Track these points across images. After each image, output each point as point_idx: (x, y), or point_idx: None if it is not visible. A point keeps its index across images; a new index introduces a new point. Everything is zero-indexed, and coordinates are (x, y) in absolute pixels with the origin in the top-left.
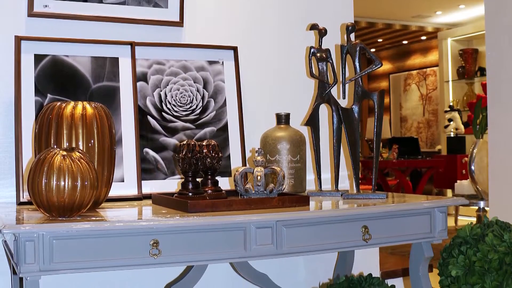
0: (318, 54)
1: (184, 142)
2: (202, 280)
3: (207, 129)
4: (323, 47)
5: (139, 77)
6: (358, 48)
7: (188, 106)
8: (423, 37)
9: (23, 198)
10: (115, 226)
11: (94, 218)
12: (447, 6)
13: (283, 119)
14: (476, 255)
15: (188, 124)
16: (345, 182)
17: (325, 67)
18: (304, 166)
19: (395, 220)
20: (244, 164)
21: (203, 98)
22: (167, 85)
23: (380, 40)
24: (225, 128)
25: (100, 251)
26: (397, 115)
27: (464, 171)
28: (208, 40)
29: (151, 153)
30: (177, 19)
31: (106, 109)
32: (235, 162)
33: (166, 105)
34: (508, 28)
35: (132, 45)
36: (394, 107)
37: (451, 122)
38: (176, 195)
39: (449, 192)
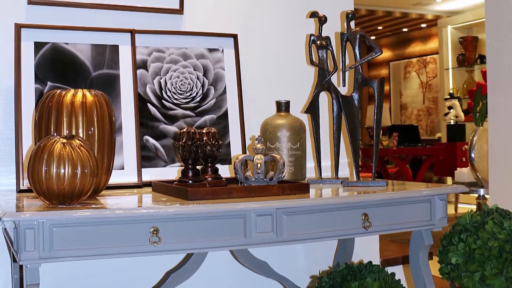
0: (318, 42)
1: (184, 130)
2: (202, 268)
3: (207, 117)
4: (323, 34)
5: (139, 65)
6: (358, 36)
7: (188, 94)
8: (423, 25)
9: (23, 185)
10: (115, 213)
11: (94, 206)
12: None
13: (283, 107)
14: (476, 242)
15: (188, 112)
16: (345, 169)
17: (325, 55)
18: (304, 153)
19: (395, 207)
20: (244, 151)
21: (203, 85)
22: (167, 73)
23: (380, 27)
24: (225, 115)
25: (100, 239)
26: (397, 102)
27: (464, 158)
28: (208, 28)
29: (151, 140)
30: (177, 6)
31: (106, 97)
32: (235, 150)
33: (166, 93)
34: (508, 15)
35: (132, 32)
36: (394, 94)
37: (451, 110)
38: (176, 182)
39: (449, 179)
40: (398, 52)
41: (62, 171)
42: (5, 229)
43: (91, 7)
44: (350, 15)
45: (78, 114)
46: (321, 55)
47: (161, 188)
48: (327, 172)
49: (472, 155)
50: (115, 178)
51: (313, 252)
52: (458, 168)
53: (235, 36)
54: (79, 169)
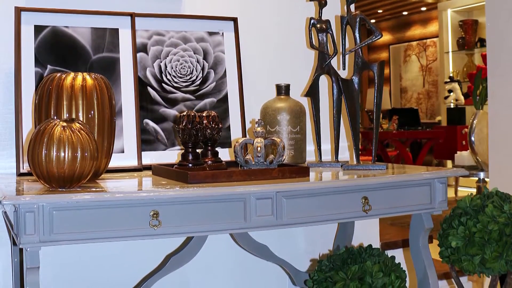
0: (318, 25)
1: (184, 113)
2: (202, 251)
3: (207, 100)
4: (323, 18)
5: (139, 48)
6: (358, 19)
7: (188, 77)
8: (423, 8)
9: (23, 169)
10: (115, 197)
11: (94, 189)
12: None
13: (283, 90)
14: (476, 226)
15: (188, 95)
16: (345, 153)
17: (325, 38)
18: (304, 137)
19: (395, 191)
20: (244, 135)
21: (203, 69)
22: (167, 56)
23: (380, 11)
24: (225, 99)
25: (100, 222)
26: (397, 86)
27: (464, 142)
28: (208, 11)
29: (151, 124)
30: None
31: (106, 80)
32: (235, 133)
33: (166, 76)
34: None
35: (132, 16)
36: (394, 78)
37: (451, 93)
38: (176, 166)
39: (449, 163)
40: (398, 35)
41: (62, 154)
42: (5, 212)
43: None
44: None
45: (78, 98)
46: (321, 38)
47: (161, 171)
48: (327, 156)
49: (472, 138)
50: (115, 161)
51: (313, 236)
52: (458, 152)
53: (235, 20)
54: (79, 153)
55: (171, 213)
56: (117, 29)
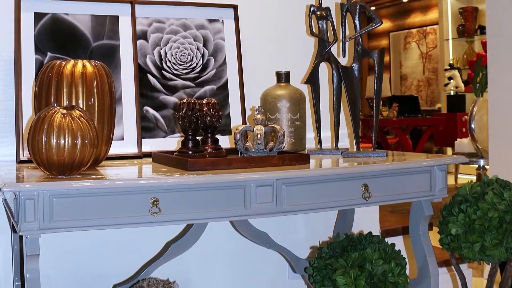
0: (318, 12)
1: (184, 100)
2: (202, 238)
3: (207, 87)
4: (323, 5)
5: (139, 36)
6: (358, 6)
7: (188, 65)
8: None
9: (23, 156)
10: (115, 184)
11: (94, 177)
12: None
13: (283, 77)
14: (476, 213)
15: (188, 83)
16: (345, 140)
17: (325, 26)
18: (304, 124)
19: (395, 178)
20: (244, 122)
21: (203, 56)
22: (167, 44)
23: None
24: (225, 86)
25: (100, 210)
26: (397, 73)
27: (464, 129)
28: None
29: (151, 111)
30: None
31: (106, 68)
32: (235, 120)
33: (166, 64)
34: None
35: (132, 3)
36: (394, 65)
37: (451, 81)
38: (176, 153)
39: (449, 150)
40: (398, 22)
41: (62, 141)
42: (5, 199)
43: None
44: None
45: (78, 85)
46: (321, 25)
47: (161, 158)
48: (327, 143)
49: (472, 125)
50: (115, 148)
51: (313, 223)
52: (458, 139)
53: (235, 7)
54: (79, 140)
55: (171, 200)
56: (117, 16)
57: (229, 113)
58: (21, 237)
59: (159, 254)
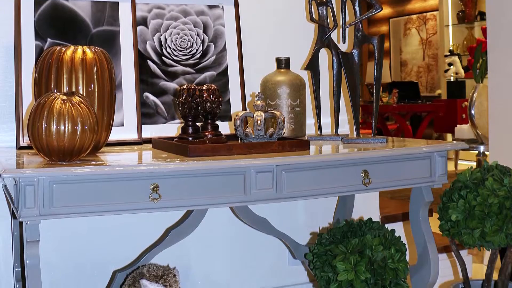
0: None
1: (184, 87)
2: (202, 225)
3: (207, 74)
4: None
5: (139, 22)
6: None
7: (188, 51)
8: None
9: (23, 142)
10: (115, 170)
11: (94, 163)
12: None
13: (283, 64)
14: (476, 199)
15: (188, 69)
16: (345, 126)
17: (325, 12)
18: (304, 110)
19: (395, 164)
20: (244, 108)
21: (203, 42)
22: (167, 30)
23: None
24: (225, 72)
25: (100, 196)
26: (397, 59)
27: (464, 115)
28: None
29: (151, 97)
30: None
31: (106, 54)
32: (235, 107)
33: (166, 50)
34: None
35: None
36: (394, 51)
37: (451, 67)
38: (176, 139)
39: (449, 136)
40: (398, 8)
41: (62, 127)
42: (5, 185)
43: None
44: None
45: (78, 71)
46: (321, 12)
47: (161, 144)
48: (327, 129)
49: (472, 111)
50: (115, 134)
51: (313, 209)
52: (458, 125)
53: None
54: (79, 126)
55: (171, 186)
56: (117, 2)
57: (229, 99)
58: (21, 223)
59: (159, 240)
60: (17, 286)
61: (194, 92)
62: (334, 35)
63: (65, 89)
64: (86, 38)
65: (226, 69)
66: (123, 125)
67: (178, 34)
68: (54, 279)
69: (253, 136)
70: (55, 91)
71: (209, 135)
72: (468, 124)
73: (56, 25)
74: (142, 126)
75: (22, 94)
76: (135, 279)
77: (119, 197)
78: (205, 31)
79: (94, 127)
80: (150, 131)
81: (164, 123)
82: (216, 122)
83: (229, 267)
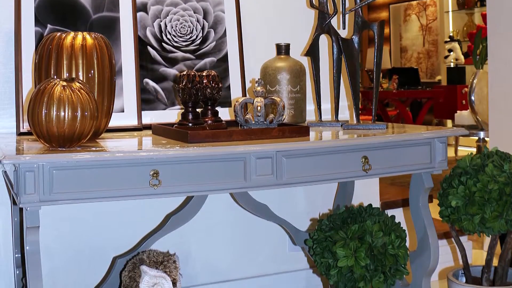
0: None
1: (184, 73)
2: (202, 211)
3: (207, 60)
4: None
5: (139, 8)
6: None
7: (188, 37)
8: None
9: (23, 128)
10: (115, 156)
11: (94, 149)
12: None
13: (283, 50)
14: (476, 185)
15: (188, 55)
16: (345, 112)
17: None
18: (304, 96)
19: (395, 150)
20: (244, 94)
21: (203, 28)
22: (167, 16)
23: None
24: (225, 58)
25: (100, 182)
26: (397, 45)
27: (464, 101)
28: None
29: (151, 83)
30: None
31: (106, 40)
32: (235, 93)
33: (166, 36)
34: None
35: None
36: (394, 37)
37: (451, 53)
38: (176, 125)
39: (449, 122)
40: None
41: (62, 114)
42: (5, 172)
43: None
44: None
45: (78, 57)
46: None
47: (161, 131)
48: (327, 115)
49: (472, 98)
50: (115, 121)
51: (313, 195)
52: (458, 111)
53: None
54: (79, 112)
55: (171, 172)
56: None
57: (229, 85)
58: (21, 209)
59: (159, 226)
60: (17, 272)
61: (194, 78)
62: (334, 21)
63: (65, 75)
64: (86, 24)
65: (226, 55)
66: (123, 111)
67: (178, 20)
68: (54, 265)
69: (253, 122)
70: (55, 77)
71: (209, 121)
72: (468, 110)
73: (56, 11)
74: (142, 112)
75: (22, 80)
76: (135, 265)
77: (119, 183)
78: (205, 17)
79: (94, 113)
80: (150, 117)
81: (164, 109)
82: (216, 108)
83: (229, 253)
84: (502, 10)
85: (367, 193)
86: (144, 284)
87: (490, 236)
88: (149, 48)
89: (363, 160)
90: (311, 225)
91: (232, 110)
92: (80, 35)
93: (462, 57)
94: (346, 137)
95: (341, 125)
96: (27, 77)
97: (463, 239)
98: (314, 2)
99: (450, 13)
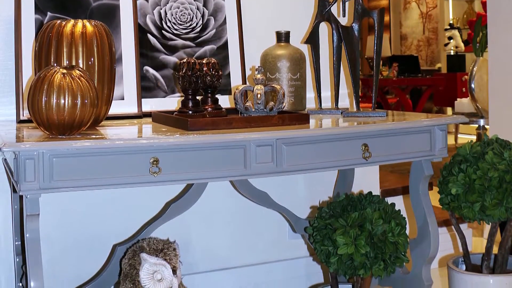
0: None
1: (184, 60)
2: (202, 198)
3: (207, 47)
4: None
5: None
6: None
7: (188, 24)
8: None
9: (23, 116)
10: (115, 144)
11: (94, 136)
12: None
13: (283, 37)
14: (476, 173)
15: (188, 42)
16: (345, 100)
17: None
18: (304, 84)
19: (395, 138)
20: (244, 82)
21: (203, 16)
22: (167, 3)
23: None
24: (225, 46)
25: (100, 169)
26: (397, 33)
27: (464, 89)
28: None
29: (151, 71)
30: None
31: (106, 27)
32: (235, 80)
33: (166, 23)
34: None
35: None
36: (394, 25)
37: (451, 40)
38: (176, 113)
39: (449, 110)
40: None
41: (62, 101)
42: (5, 159)
43: None
44: None
45: (78, 45)
46: None
47: (161, 118)
48: (327, 103)
49: (472, 85)
50: (115, 108)
51: (313, 183)
52: (458, 99)
53: None
54: (79, 100)
55: (171, 160)
56: None
57: (229, 73)
58: (21, 197)
59: (159, 214)
60: (17, 259)
61: (194, 66)
62: (334, 9)
63: (65, 62)
64: (86, 11)
65: (226, 43)
66: (123, 99)
67: (178, 8)
68: (54, 253)
69: (253, 109)
70: (55, 64)
71: (209, 109)
72: (468, 97)
73: None
74: (142, 100)
75: (22, 68)
76: (135, 252)
77: (119, 171)
78: (205, 4)
79: (94, 101)
80: (150, 105)
81: (164, 97)
82: (216, 96)
83: (229, 241)
84: None
85: (367, 180)
86: (144, 272)
87: (490, 223)
88: (149, 36)
89: (363, 147)
90: (311, 212)
91: (232, 98)
92: (80, 23)
93: (462, 44)
94: (346, 124)
95: (341, 113)
96: (27, 64)
97: (463, 226)
98: None
99: (450, 1)
